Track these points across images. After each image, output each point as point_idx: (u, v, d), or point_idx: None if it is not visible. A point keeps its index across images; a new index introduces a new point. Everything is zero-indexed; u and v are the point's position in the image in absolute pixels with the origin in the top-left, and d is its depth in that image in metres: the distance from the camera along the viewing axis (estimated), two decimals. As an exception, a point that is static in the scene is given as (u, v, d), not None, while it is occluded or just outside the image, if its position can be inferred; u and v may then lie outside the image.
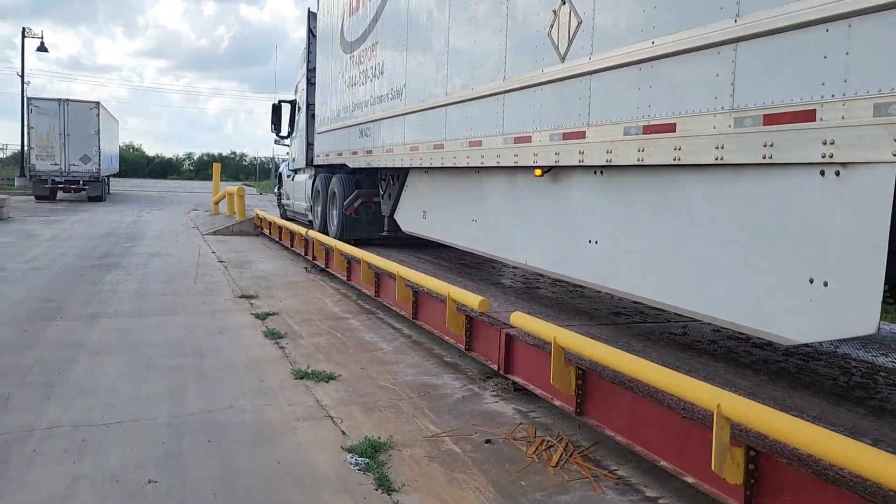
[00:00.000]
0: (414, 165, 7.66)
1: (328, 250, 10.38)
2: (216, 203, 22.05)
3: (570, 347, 4.22)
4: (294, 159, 15.52)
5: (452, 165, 6.63)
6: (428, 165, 7.26)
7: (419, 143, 7.52)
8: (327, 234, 11.24)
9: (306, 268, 11.81)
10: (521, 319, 4.79)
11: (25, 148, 29.02)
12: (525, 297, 6.66)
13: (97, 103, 27.40)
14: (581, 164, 4.63)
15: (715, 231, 3.74)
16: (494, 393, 5.43)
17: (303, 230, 11.85)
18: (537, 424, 4.75)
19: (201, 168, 70.19)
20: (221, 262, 12.44)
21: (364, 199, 10.64)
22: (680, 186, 3.94)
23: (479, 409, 5.07)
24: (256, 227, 17.35)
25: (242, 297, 9.15)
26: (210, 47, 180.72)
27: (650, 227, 4.23)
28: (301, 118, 14.52)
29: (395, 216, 9.29)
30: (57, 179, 26.56)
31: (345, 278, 9.47)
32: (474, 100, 6.20)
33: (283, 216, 16.71)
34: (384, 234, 9.86)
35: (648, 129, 3.98)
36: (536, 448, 4.30)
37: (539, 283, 7.76)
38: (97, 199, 27.64)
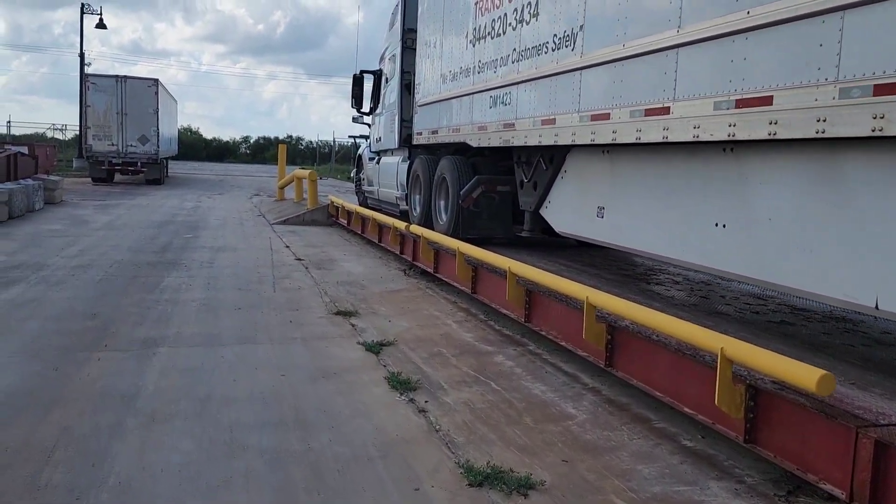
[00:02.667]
0: (599, 142, 5.31)
1: (439, 252, 8.15)
2: (282, 188, 20.10)
3: None
4: (379, 139, 13.28)
5: (692, 140, 4.27)
6: (632, 141, 4.90)
7: (610, 110, 5.17)
8: (431, 230, 8.98)
9: (405, 270, 9.60)
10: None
11: (82, 128, 27.61)
12: (768, 333, 4.27)
13: (156, 80, 25.74)
14: None
15: None
16: (831, 537, 3.10)
17: (401, 224, 9.60)
18: None
19: (257, 151, 69.49)
20: (299, 259, 10.36)
21: (485, 188, 8.31)
22: None
23: (840, 585, 2.74)
24: (330, 217, 15.26)
25: (338, 313, 7.00)
26: (266, 32, 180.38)
27: None
28: (391, 91, 12.25)
29: (542, 211, 6.96)
30: (114, 161, 25.05)
31: (469, 291, 7.21)
32: (750, 31, 3.82)
33: (363, 204, 14.57)
34: (523, 233, 7.50)
35: None
36: None
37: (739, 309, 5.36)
38: (155, 182, 26.08)
